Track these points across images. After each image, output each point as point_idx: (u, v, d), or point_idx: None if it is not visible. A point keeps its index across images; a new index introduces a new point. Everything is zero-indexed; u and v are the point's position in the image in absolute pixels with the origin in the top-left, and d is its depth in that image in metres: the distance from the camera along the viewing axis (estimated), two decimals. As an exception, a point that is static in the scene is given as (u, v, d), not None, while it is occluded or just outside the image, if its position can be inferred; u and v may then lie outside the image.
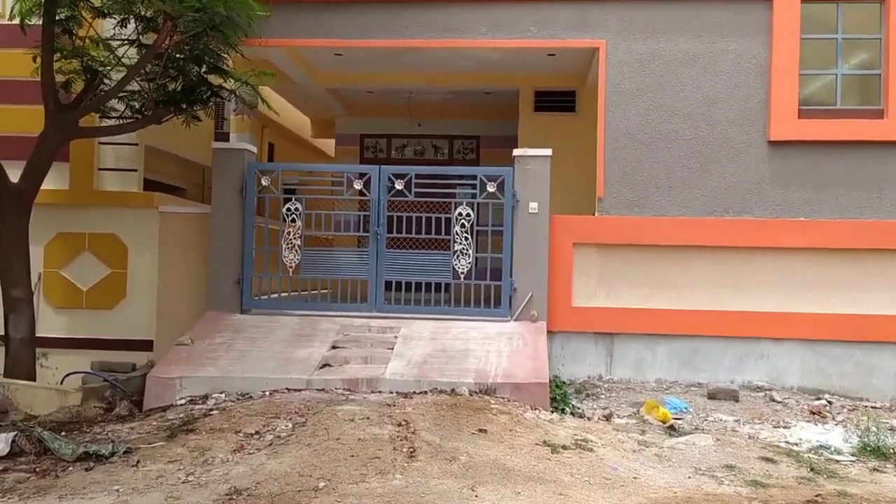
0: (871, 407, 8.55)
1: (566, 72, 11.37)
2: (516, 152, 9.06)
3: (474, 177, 9.19)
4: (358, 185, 9.20)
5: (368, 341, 8.55)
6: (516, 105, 13.25)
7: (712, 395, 8.50)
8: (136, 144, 9.82)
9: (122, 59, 8.35)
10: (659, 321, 9.09)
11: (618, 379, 9.18)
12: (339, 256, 9.34)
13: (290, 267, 9.25)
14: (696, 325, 9.04)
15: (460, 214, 9.13)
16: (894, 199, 8.91)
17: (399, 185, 9.12)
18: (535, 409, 7.32)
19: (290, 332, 8.69)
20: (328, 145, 18.31)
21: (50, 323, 9.53)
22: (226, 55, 8.66)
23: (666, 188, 9.23)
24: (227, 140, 12.49)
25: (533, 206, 9.02)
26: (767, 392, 8.81)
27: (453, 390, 7.42)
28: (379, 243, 9.16)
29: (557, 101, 11.59)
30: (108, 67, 8.45)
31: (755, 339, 9.00)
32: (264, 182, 9.25)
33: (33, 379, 8.16)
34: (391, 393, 7.42)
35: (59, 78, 8.33)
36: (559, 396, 7.80)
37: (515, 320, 8.98)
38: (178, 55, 8.43)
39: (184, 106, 8.75)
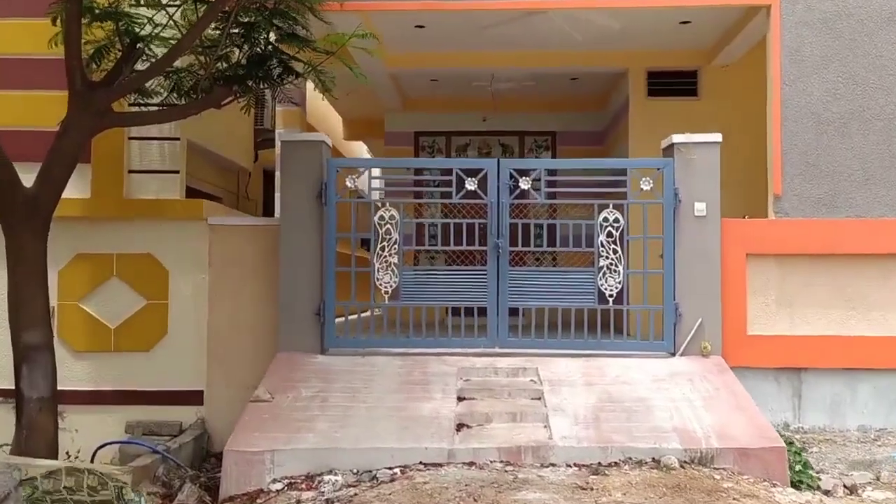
0: None
1: (687, 47, 9.41)
2: (676, 139, 7.04)
3: (622, 171, 7.15)
4: (471, 185, 7.12)
5: (503, 389, 6.46)
6: (603, 93, 11.32)
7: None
8: (178, 139, 7.68)
9: (173, 21, 6.23)
10: (859, 352, 7.10)
11: (809, 427, 7.16)
12: (448, 278, 7.24)
13: (386, 292, 7.15)
14: (904, 357, 7.07)
15: (606, 220, 7.09)
16: None
17: (524, 185, 7.07)
18: (774, 485, 5.28)
19: (398, 379, 6.58)
20: (360, 149, 16.21)
21: (68, 371, 7.30)
22: (302, 18, 6.58)
23: (862, 182, 7.26)
24: (271, 138, 10.38)
25: (699, 207, 7.01)
26: None
27: (657, 460, 5.37)
28: (500, 259, 7.09)
29: (675, 84, 9.60)
30: (155, 31, 6.33)
31: None
32: (349, 183, 7.16)
33: (55, 453, 5.99)
34: (572, 467, 5.34)
35: (86, 49, 6.22)
36: (794, 463, 5.75)
37: (682, 355, 6.94)
38: (244, 17, 6.35)
39: (250, 83, 6.65)
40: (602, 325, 7.07)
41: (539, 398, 6.30)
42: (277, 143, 10.36)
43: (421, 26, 8.63)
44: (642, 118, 9.56)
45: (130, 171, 7.64)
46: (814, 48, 7.32)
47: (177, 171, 7.68)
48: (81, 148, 6.20)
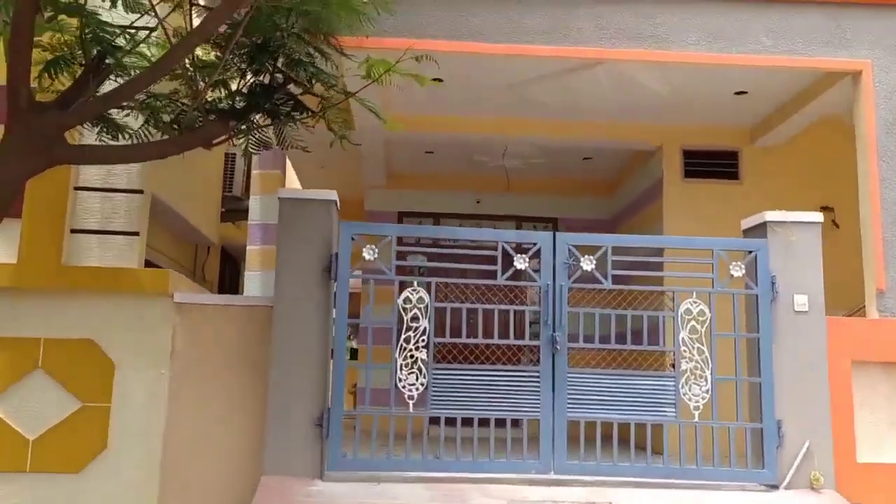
0: None
1: (730, 124, 8.39)
2: (770, 216, 5.79)
3: (707, 253, 5.81)
4: (521, 264, 5.65)
5: (577, 534, 4.80)
6: (614, 177, 10.25)
7: None
8: (141, 192, 5.99)
9: (161, 26, 4.68)
10: None
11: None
12: (491, 379, 5.62)
13: (410, 397, 5.48)
14: None
15: (689, 312, 5.69)
16: None
17: (587, 265, 5.65)
18: None
19: (432, 519, 4.84)
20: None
21: (-38, 498, 5.29)
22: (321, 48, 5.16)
23: (976, 277, 6.14)
24: (241, 208, 8.76)
25: (800, 300, 5.71)
26: None
27: None
28: (556, 358, 5.56)
29: (714, 165, 8.51)
30: (131, 42, 4.76)
31: None
32: (368, 255, 5.58)
33: None
34: None
35: (38, 58, 4.60)
36: None
37: (787, 488, 5.45)
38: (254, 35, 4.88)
39: (253, 119, 5.11)
40: (686, 446, 5.55)
41: (628, 548, 4.68)
42: (252, 212, 8.78)
43: (438, 79, 7.33)
44: (679, 201, 8.38)
45: (73, 231, 5.87)
46: (912, 120, 6.32)
47: (136, 234, 5.95)
48: (20, 187, 4.49)
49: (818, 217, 5.81)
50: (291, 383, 5.38)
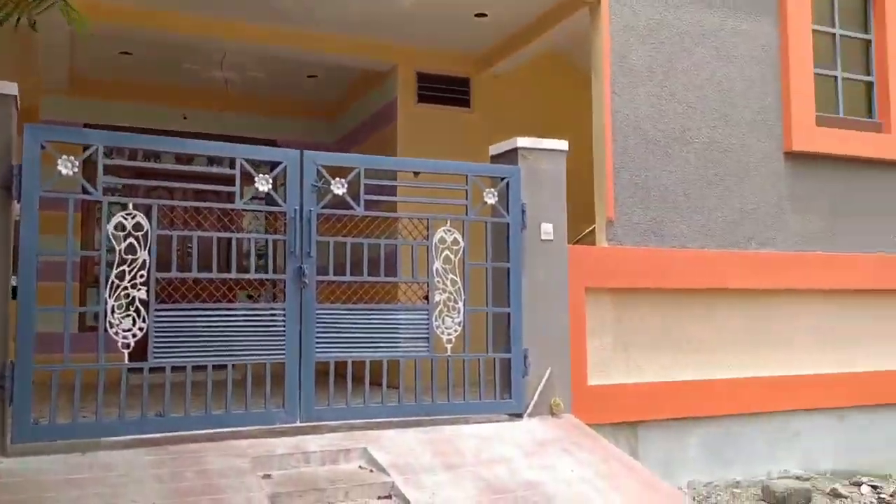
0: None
1: (461, 51, 8.19)
2: (521, 142, 5.62)
3: (462, 178, 5.48)
4: (264, 185, 4.85)
5: (336, 487, 4.27)
6: (340, 99, 9.63)
7: (782, 501, 6.03)
8: None
9: None
10: (688, 400, 6.40)
11: (646, 488, 6.19)
12: (226, 320, 4.78)
13: (127, 345, 4.46)
14: (725, 402, 6.54)
15: (443, 241, 5.36)
16: (898, 229, 7.56)
17: (338, 189, 5.03)
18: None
19: (159, 490, 3.97)
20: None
21: None
22: None
23: (684, 208, 6.64)
24: None
25: (546, 228, 5.67)
26: (808, 480, 6.68)
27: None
28: (305, 294, 4.91)
29: (447, 91, 8.26)
30: None
31: (789, 413, 6.82)
32: (63, 168, 4.36)
33: None
34: None
35: None
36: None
37: (531, 415, 5.47)
38: None
39: None
40: (438, 380, 5.28)
41: (390, 496, 4.28)
42: None
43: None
44: (412, 125, 8.04)
45: None
46: (640, 57, 6.57)
47: None
48: None
49: (564, 145, 5.78)
50: (-44, 334, 4.08)
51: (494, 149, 5.87)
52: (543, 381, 5.53)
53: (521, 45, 7.62)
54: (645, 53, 6.57)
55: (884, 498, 6.40)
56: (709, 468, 6.48)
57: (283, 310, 4.87)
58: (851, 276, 7.11)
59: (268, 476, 4.30)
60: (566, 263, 5.73)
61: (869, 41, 7.67)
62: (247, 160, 4.84)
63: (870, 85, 7.64)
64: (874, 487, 6.67)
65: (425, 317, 5.26)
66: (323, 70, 8.76)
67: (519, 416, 5.45)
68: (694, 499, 6.13)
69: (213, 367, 4.66)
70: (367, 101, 8.87)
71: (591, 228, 6.64)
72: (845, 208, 7.27)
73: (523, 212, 5.55)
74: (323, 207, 5.01)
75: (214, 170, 5.02)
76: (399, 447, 4.75)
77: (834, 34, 7.51)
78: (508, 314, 5.47)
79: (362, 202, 5.11)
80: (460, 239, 5.38)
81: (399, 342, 5.19)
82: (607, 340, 6.19)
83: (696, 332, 6.54)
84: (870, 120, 7.55)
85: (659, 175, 6.53)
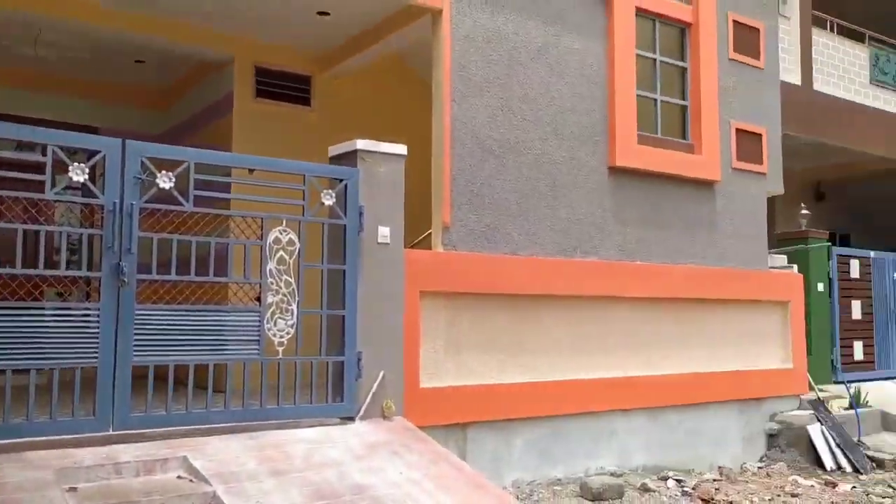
0: (713, 479, 7.54)
1: (303, 48, 8.03)
2: (360, 144, 5.58)
3: (299, 178, 5.34)
4: (79, 175, 4.50)
5: (151, 499, 4.01)
6: (169, 88, 9.16)
7: (598, 496, 6.39)
8: None
9: None
10: (515, 401, 6.62)
11: (473, 488, 6.34)
12: (31, 320, 4.36)
13: None
14: (552, 403, 6.84)
15: (278, 242, 5.21)
16: (706, 244, 8.23)
17: (165, 183, 4.76)
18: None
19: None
20: None
21: None
22: None
23: (517, 216, 6.87)
24: None
25: (384, 232, 5.67)
26: (621, 475, 7.12)
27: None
28: (123, 293, 4.59)
29: (287, 88, 8.05)
30: None
31: (607, 413, 7.24)
32: None
33: None
34: None
35: None
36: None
37: (363, 419, 5.44)
38: None
39: None
40: (269, 384, 5.12)
41: (211, 506, 4.10)
42: None
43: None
44: (249, 121, 7.77)
45: None
46: (479, 67, 6.72)
47: None
48: None
49: (403, 149, 5.80)
50: None
51: (334, 150, 5.79)
52: (376, 383, 5.51)
53: (364, 47, 7.59)
54: (484, 65, 6.74)
55: (687, 490, 6.94)
56: (534, 467, 6.73)
57: (98, 310, 4.53)
58: (663, 286, 7.66)
59: (73, 489, 3.99)
60: (402, 267, 5.75)
61: (685, 69, 8.30)
62: (60, 147, 4.46)
63: (684, 109, 8.27)
64: (679, 481, 7.22)
65: (256, 319, 5.09)
66: (153, 56, 8.27)
67: (351, 419, 5.40)
68: (518, 497, 6.35)
69: (15, 371, 4.25)
70: (201, 92, 8.48)
71: (427, 233, 6.72)
72: (660, 222, 7.83)
73: (361, 214, 5.51)
74: (147, 202, 4.72)
75: (23, 156, 4.56)
76: (223, 455, 4.56)
77: (655, 59, 8.06)
78: (343, 317, 5.40)
79: (192, 198, 4.86)
80: (296, 240, 5.26)
81: (228, 345, 4.98)
82: (440, 343, 6.28)
83: (525, 336, 6.78)
84: (683, 141, 8.17)
85: (494, 183, 6.71)
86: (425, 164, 6.55)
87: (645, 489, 6.79)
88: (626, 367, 7.42)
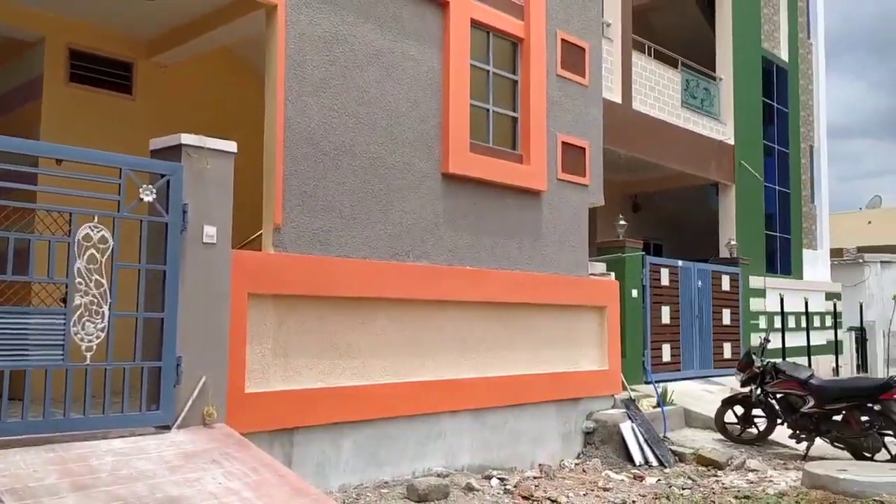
0: (534, 477, 7.87)
1: (124, 32, 7.54)
2: (186, 139, 5.31)
3: (115, 171, 4.99)
4: None
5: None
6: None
7: (423, 498, 6.48)
8: None
9: None
10: (344, 404, 6.58)
11: (298, 494, 6.21)
12: None
13: None
14: (380, 405, 6.85)
15: (88, 238, 4.85)
16: (531, 251, 8.57)
17: (-44, 169, 4.30)
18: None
19: None
20: None
21: None
22: None
23: (350, 219, 6.82)
24: None
25: (210, 231, 5.44)
26: (447, 476, 7.27)
27: None
28: None
29: (105, 74, 7.51)
30: None
31: (436, 415, 7.36)
32: None
33: None
34: None
35: None
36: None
37: (181, 427, 5.18)
38: None
39: None
40: (74, 393, 4.74)
41: (4, 528, 3.74)
42: None
43: None
44: (61, 108, 7.19)
45: None
46: (315, 67, 6.61)
47: None
48: None
49: (233, 146, 5.59)
50: None
51: (156, 143, 5.48)
52: (197, 389, 5.27)
53: (193, 37, 7.25)
54: (320, 65, 6.64)
55: (509, 489, 7.18)
56: (362, 470, 6.71)
57: None
58: (489, 290, 7.90)
59: None
60: (229, 268, 5.54)
61: (516, 81, 8.61)
62: None
63: (515, 120, 8.58)
64: (502, 480, 7.46)
65: (61, 321, 4.71)
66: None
67: (167, 428, 5.13)
68: (344, 501, 6.31)
69: None
70: (6, 73, 7.74)
71: (258, 234, 6.52)
72: (489, 228, 8.06)
73: (185, 212, 5.26)
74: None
75: None
76: (18, 469, 4.18)
77: (489, 71, 8.30)
78: (162, 320, 5.12)
79: (-11, 188, 4.43)
80: (109, 237, 4.92)
81: (28, 349, 4.57)
82: (267, 347, 6.11)
83: (355, 339, 6.75)
84: (513, 151, 8.47)
85: (328, 185, 6.63)
86: (260, 162, 6.36)
87: (469, 489, 6.95)
88: (455, 369, 7.58)
